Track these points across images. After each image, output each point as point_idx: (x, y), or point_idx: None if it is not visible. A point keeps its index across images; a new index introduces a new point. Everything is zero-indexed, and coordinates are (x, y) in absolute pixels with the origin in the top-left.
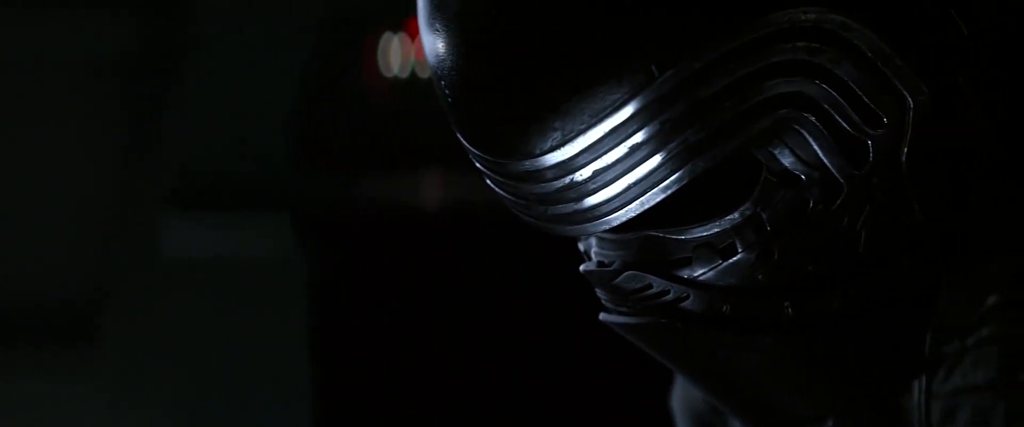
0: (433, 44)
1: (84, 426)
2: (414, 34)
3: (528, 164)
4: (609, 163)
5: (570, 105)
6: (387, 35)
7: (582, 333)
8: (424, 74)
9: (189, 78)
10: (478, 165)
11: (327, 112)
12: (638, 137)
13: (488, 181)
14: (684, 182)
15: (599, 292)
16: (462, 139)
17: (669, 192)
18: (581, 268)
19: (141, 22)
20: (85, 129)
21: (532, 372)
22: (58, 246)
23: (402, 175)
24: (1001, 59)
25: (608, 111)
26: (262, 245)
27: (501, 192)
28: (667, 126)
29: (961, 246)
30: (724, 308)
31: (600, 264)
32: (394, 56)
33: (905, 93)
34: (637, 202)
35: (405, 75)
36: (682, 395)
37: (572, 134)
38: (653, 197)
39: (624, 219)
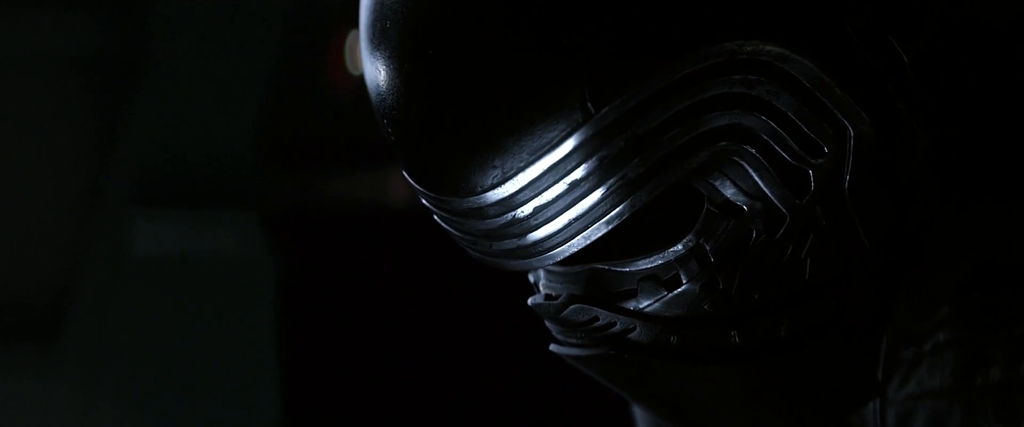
0: (374, 81)
1: (51, 421)
2: None
3: (470, 201)
4: (550, 199)
5: (509, 142)
6: (354, 33)
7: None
8: None
9: (155, 76)
10: (424, 202)
11: (294, 110)
12: (577, 173)
13: (435, 217)
14: (626, 216)
15: (548, 324)
16: (406, 176)
17: (611, 226)
18: (529, 301)
19: (106, 20)
20: (50, 127)
21: (502, 370)
22: (23, 244)
23: (370, 173)
24: (941, 83)
25: (546, 148)
26: (229, 243)
27: (447, 228)
28: (606, 162)
29: (907, 267)
30: (671, 339)
31: (547, 297)
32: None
33: (845, 122)
34: (580, 237)
35: None
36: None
37: (512, 171)
38: (596, 231)
39: (568, 254)
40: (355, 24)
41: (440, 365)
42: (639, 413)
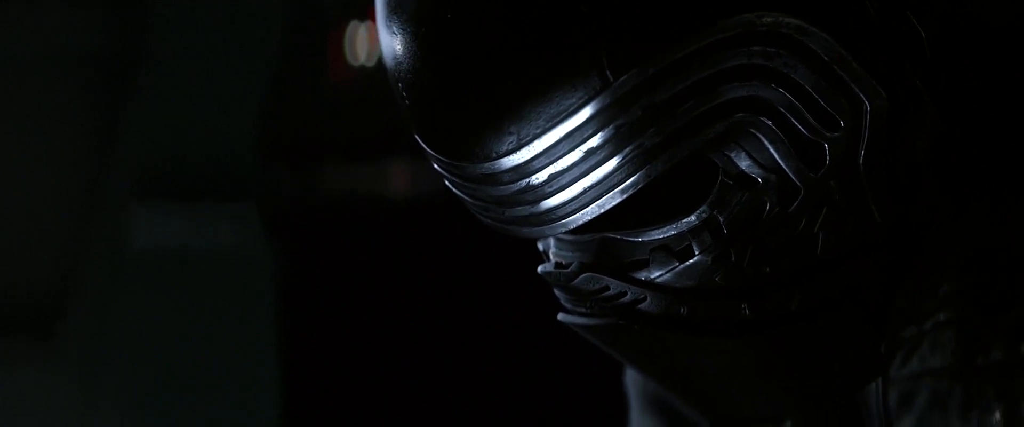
0: (390, 46)
1: (50, 417)
2: None
3: (485, 167)
4: (565, 167)
5: (525, 109)
6: (354, 24)
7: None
8: None
9: (155, 72)
10: (436, 167)
11: (294, 102)
12: (593, 141)
13: (447, 183)
14: (640, 186)
15: (557, 292)
16: (420, 141)
17: (626, 195)
18: (539, 269)
19: (106, 17)
20: (50, 123)
21: (501, 361)
22: (23, 239)
23: (369, 165)
24: (957, 61)
25: (563, 115)
26: (228, 238)
27: (460, 194)
28: (622, 130)
29: (917, 244)
30: (681, 310)
31: (558, 265)
32: (361, 45)
33: (862, 97)
34: (594, 205)
35: (372, 64)
36: (635, 376)
37: (528, 138)
38: (610, 200)
39: (581, 222)
40: (354, 17)
41: (440, 359)
42: (632, 388)
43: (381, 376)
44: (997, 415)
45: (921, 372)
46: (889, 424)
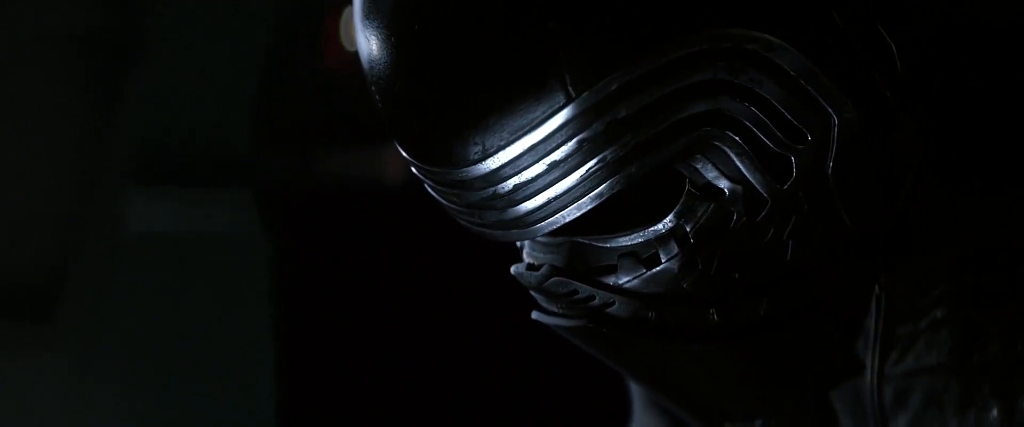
0: (365, 50)
1: (46, 402)
2: None
3: (456, 174)
4: (530, 177)
5: (490, 121)
6: (349, 10)
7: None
8: None
9: (150, 54)
10: (413, 170)
11: (290, 87)
12: (557, 154)
13: (426, 186)
14: (603, 199)
15: (532, 292)
16: (397, 145)
17: (590, 206)
18: (512, 270)
19: (102, 1)
20: (45, 105)
21: (499, 351)
22: (19, 222)
23: (365, 150)
24: (930, 70)
25: (527, 128)
26: (224, 222)
27: (437, 197)
28: (586, 145)
29: (894, 253)
30: (650, 315)
31: (529, 267)
32: None
33: (830, 110)
34: (559, 214)
35: None
36: None
37: (493, 148)
38: (574, 211)
39: (548, 229)
40: (349, 3)
41: (437, 349)
42: (635, 386)
43: (377, 364)
44: (994, 412)
45: (917, 369)
46: (885, 421)
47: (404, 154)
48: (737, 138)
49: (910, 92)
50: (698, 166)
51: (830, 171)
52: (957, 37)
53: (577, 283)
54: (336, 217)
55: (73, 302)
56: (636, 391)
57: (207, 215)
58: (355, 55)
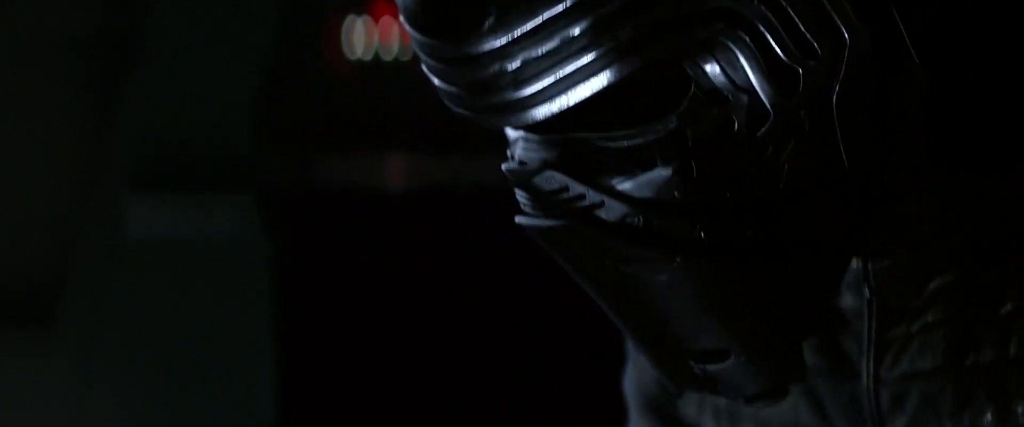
0: None
1: (48, 407)
2: (378, 17)
3: (463, 48)
4: (541, 53)
5: None
6: (351, 17)
7: (550, 317)
8: (387, 57)
9: (152, 59)
10: (417, 50)
11: (291, 93)
12: (572, 30)
13: (425, 69)
14: (612, 81)
15: (518, 193)
16: (404, 20)
17: (596, 89)
18: (503, 167)
19: (103, 3)
20: (47, 110)
21: (499, 354)
22: (20, 227)
23: (365, 156)
24: (944, 16)
25: (545, 1)
26: (225, 226)
27: (436, 81)
28: (602, 21)
29: (883, 204)
30: (636, 220)
31: (521, 163)
32: (358, 38)
33: (843, 30)
34: (564, 97)
35: (369, 57)
36: (635, 377)
37: (507, 20)
38: (579, 93)
39: (550, 112)
40: (351, 9)
41: (438, 352)
42: (631, 385)
43: (379, 367)
44: (989, 416)
45: (912, 373)
46: (882, 425)
47: (411, 30)
48: (749, 40)
49: (925, 40)
50: (706, 66)
51: (835, 96)
52: (957, 37)
53: (569, 179)
54: (337, 223)
55: (75, 307)
56: (632, 397)
57: (208, 219)
58: (357, 62)
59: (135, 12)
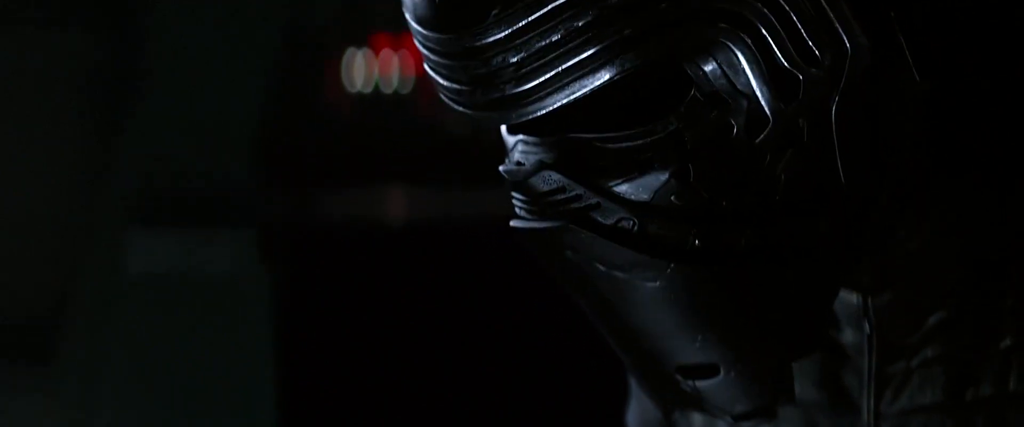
0: None
1: None
2: (378, 50)
3: (466, 41)
4: (543, 44)
5: None
6: (350, 50)
7: (547, 348)
8: (387, 90)
9: (152, 95)
10: (419, 45)
11: (291, 127)
12: (575, 22)
13: (427, 65)
14: (611, 77)
15: (513, 194)
16: (407, 15)
17: (596, 85)
18: (500, 168)
19: (104, 39)
20: (47, 145)
21: (496, 385)
22: (21, 262)
23: (365, 190)
24: (944, 31)
25: None
26: (225, 260)
27: (436, 77)
28: (606, 14)
29: (879, 225)
30: (631, 224)
31: (518, 164)
32: (358, 72)
33: (846, 39)
34: (563, 92)
35: (369, 90)
36: (638, 413)
37: (511, 10)
38: (578, 88)
39: (548, 108)
40: (351, 43)
41: (436, 384)
42: (634, 418)
43: (380, 401)
44: None
45: (912, 408)
46: None
47: (414, 24)
48: (751, 44)
49: (926, 55)
50: (707, 69)
51: (835, 104)
52: (957, 37)
53: (566, 180)
54: (337, 256)
55: (75, 340)
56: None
57: (208, 254)
58: (357, 96)
59: (137, 49)
